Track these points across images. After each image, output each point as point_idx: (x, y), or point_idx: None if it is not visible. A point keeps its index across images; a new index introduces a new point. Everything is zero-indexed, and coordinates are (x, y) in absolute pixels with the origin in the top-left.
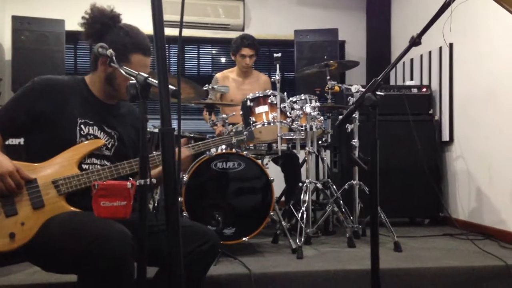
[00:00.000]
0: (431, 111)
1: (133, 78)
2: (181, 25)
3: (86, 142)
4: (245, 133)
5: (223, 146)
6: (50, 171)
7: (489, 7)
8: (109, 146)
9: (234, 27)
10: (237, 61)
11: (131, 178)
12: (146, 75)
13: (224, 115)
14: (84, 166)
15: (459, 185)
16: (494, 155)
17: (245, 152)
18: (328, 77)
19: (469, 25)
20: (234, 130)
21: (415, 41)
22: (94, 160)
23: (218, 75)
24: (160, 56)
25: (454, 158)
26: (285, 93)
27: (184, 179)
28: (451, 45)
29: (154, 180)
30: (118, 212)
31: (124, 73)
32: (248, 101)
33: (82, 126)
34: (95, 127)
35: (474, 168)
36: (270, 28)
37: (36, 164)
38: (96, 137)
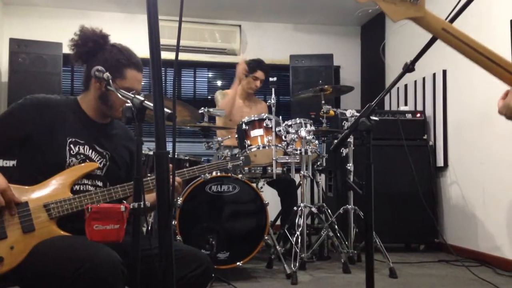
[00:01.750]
0: (425, 136)
1: (128, 101)
2: (177, 48)
3: (82, 165)
4: (241, 158)
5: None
6: (42, 194)
7: (481, 34)
8: (101, 166)
9: (230, 52)
10: (247, 81)
11: (124, 201)
12: (142, 98)
13: (219, 138)
14: (76, 187)
15: (454, 210)
16: (489, 181)
17: (240, 176)
18: (323, 102)
19: None
20: (229, 155)
21: (409, 68)
22: (86, 181)
23: (221, 91)
24: (156, 79)
25: (448, 183)
26: (280, 117)
27: (179, 202)
28: (444, 71)
29: (148, 204)
30: (111, 235)
31: (120, 96)
32: (244, 124)
33: (71, 145)
34: (86, 146)
35: (468, 193)
36: (266, 52)
37: (27, 187)
38: (86, 156)
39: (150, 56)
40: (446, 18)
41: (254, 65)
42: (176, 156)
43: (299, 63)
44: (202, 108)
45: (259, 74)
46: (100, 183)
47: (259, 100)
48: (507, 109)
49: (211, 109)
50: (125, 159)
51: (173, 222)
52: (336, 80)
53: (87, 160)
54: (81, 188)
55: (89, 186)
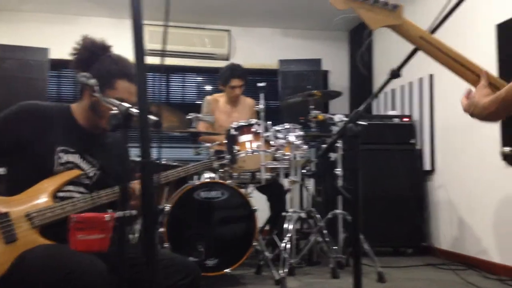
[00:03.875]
0: (412, 141)
1: (115, 108)
2: (163, 54)
3: (64, 172)
4: (227, 156)
5: (206, 175)
6: (24, 203)
7: (468, 39)
8: (91, 175)
9: (220, 56)
10: (227, 91)
11: (110, 210)
12: (129, 105)
13: (207, 144)
14: (61, 194)
15: (441, 214)
16: (475, 184)
17: (228, 181)
18: (312, 106)
19: None
20: (215, 155)
21: (395, 74)
22: (71, 188)
23: (209, 97)
24: (141, 84)
25: (436, 187)
26: (269, 122)
27: (167, 209)
28: (431, 76)
29: (134, 212)
30: (95, 245)
31: (106, 103)
32: (232, 130)
33: (60, 154)
34: (76, 155)
35: (455, 197)
36: (255, 57)
37: (9, 197)
38: (76, 165)
39: (134, 61)
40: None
41: (227, 74)
42: (164, 162)
43: (288, 68)
44: (191, 113)
45: (235, 82)
46: (86, 191)
47: (245, 99)
48: (474, 107)
49: (200, 115)
50: (116, 169)
51: (161, 229)
52: (324, 85)
53: (75, 169)
54: (66, 196)
55: (75, 193)
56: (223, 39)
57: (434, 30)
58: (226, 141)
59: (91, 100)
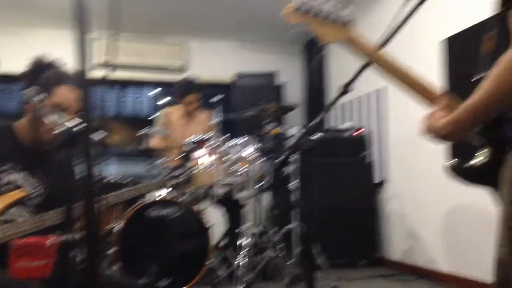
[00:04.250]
0: (365, 153)
1: (60, 126)
2: (112, 66)
3: (6, 194)
4: (181, 175)
5: (159, 193)
6: None
7: (414, 54)
8: (36, 195)
9: (175, 69)
10: (183, 106)
11: (57, 232)
12: (75, 122)
13: (160, 160)
14: (3, 218)
15: (392, 225)
16: (425, 196)
17: (182, 198)
18: (267, 120)
19: None
20: (170, 173)
21: (346, 89)
22: (15, 211)
23: (164, 111)
24: (85, 100)
25: (387, 198)
26: (225, 137)
27: (118, 228)
28: (384, 89)
29: (77, 235)
30: (37, 271)
31: (50, 120)
32: (187, 145)
33: (1, 175)
34: (20, 175)
35: (406, 208)
36: (211, 70)
37: None
38: (18, 186)
39: (78, 74)
40: (382, 45)
41: (183, 88)
42: (115, 179)
43: (244, 81)
44: (144, 128)
45: (190, 97)
46: (31, 213)
47: (201, 112)
48: (432, 128)
49: (153, 129)
50: (63, 187)
51: (112, 249)
52: (280, 97)
53: (19, 190)
54: (9, 219)
55: (18, 216)
56: (179, 52)
57: (382, 45)
58: (181, 156)
59: (34, 117)
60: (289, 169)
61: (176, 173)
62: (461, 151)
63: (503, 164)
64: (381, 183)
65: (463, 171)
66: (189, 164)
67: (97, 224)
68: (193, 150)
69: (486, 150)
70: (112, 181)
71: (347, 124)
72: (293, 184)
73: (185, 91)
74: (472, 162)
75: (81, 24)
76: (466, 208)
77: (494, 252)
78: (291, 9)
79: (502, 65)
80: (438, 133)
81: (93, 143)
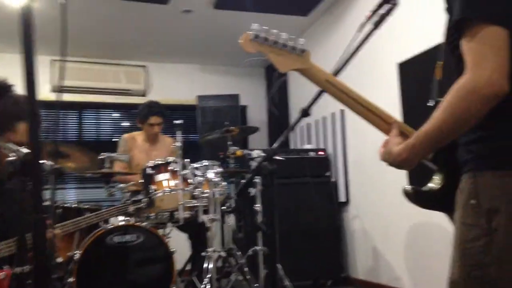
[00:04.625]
0: (328, 173)
1: (13, 154)
2: (65, 90)
3: None
4: (143, 200)
5: (121, 218)
6: None
7: (372, 77)
8: None
9: (136, 92)
10: (145, 129)
11: (6, 267)
12: (27, 150)
13: (122, 185)
14: None
15: (357, 245)
16: (388, 214)
17: (144, 223)
18: (230, 143)
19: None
20: (131, 199)
21: (305, 113)
22: None
23: (126, 135)
24: (33, 126)
25: (351, 218)
26: (187, 160)
27: (76, 257)
28: (342, 111)
29: (30, 267)
30: None
31: (3, 148)
32: (149, 169)
33: None
34: None
35: (370, 227)
36: (172, 93)
37: None
38: None
39: (27, 100)
40: (337, 72)
41: (145, 112)
42: (74, 205)
43: (207, 103)
44: (104, 153)
45: (153, 119)
46: None
47: (164, 137)
48: (388, 155)
49: (113, 154)
50: (18, 217)
51: (70, 279)
52: (243, 120)
53: None
54: None
55: None
56: (139, 75)
57: (337, 72)
58: (143, 181)
59: None
60: (253, 191)
61: (138, 197)
62: (419, 173)
63: (457, 188)
64: (344, 203)
65: (418, 196)
66: (151, 188)
67: (49, 254)
68: (155, 174)
69: (440, 175)
70: (71, 207)
71: (310, 145)
72: (258, 206)
73: (147, 115)
74: (427, 187)
75: (28, 48)
76: (428, 225)
77: (448, 273)
78: (249, 38)
79: (454, 94)
80: (393, 160)
81: (47, 170)
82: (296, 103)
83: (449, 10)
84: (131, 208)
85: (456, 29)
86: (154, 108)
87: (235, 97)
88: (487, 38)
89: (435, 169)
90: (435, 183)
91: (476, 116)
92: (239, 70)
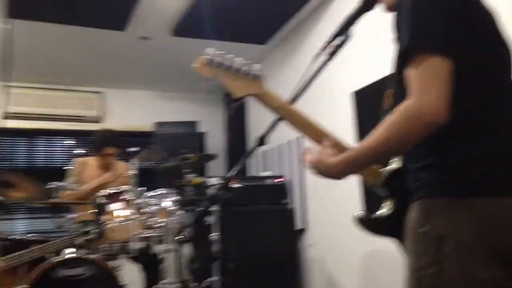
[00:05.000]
0: (285, 201)
1: None
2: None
3: None
4: (92, 231)
5: (69, 250)
6: None
7: (327, 105)
8: None
9: (91, 119)
10: (99, 158)
11: None
12: None
13: (71, 215)
14: None
15: (313, 273)
16: (344, 241)
17: (94, 256)
18: (188, 170)
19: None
20: (80, 230)
21: (261, 142)
22: None
23: (78, 160)
24: None
25: (308, 245)
26: (142, 188)
27: None
28: (299, 138)
29: None
30: None
31: None
32: (101, 198)
33: None
34: None
35: (326, 255)
36: (129, 119)
37: None
38: None
39: None
40: (293, 100)
41: (100, 142)
42: (20, 237)
43: (164, 130)
44: (55, 181)
45: (108, 150)
46: None
47: (118, 163)
48: (320, 164)
49: (62, 183)
50: None
51: None
52: (201, 147)
53: None
54: None
55: None
56: (94, 101)
57: (293, 100)
58: (94, 211)
59: None
60: (210, 220)
61: (89, 228)
62: (375, 200)
63: (406, 215)
64: (302, 230)
65: (369, 223)
66: (103, 218)
67: None
68: (108, 203)
69: (390, 201)
70: (16, 238)
71: (267, 172)
72: (214, 235)
73: (102, 143)
74: (377, 214)
75: None
76: (383, 252)
77: None
78: (203, 62)
79: (398, 115)
80: (328, 171)
81: None
82: (254, 130)
83: (397, 40)
84: (79, 240)
85: (403, 59)
86: (109, 138)
87: (193, 124)
88: (432, 68)
89: (385, 195)
90: (385, 209)
91: (415, 140)
92: (198, 96)
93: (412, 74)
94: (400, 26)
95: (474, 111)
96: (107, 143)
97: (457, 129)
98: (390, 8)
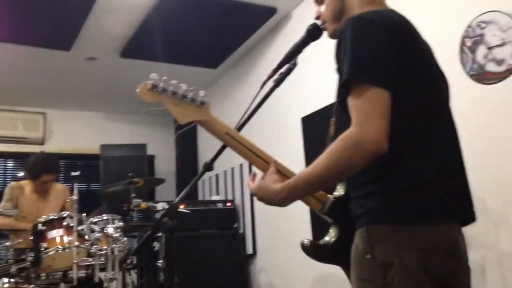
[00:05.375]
0: (235, 225)
1: None
2: None
3: None
4: (28, 258)
5: (4, 280)
6: None
7: (278, 130)
8: None
9: (33, 141)
10: (36, 185)
11: None
12: None
13: (8, 243)
14: None
15: None
16: (293, 266)
17: (32, 285)
18: (133, 195)
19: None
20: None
21: (208, 167)
22: None
23: (13, 184)
24: None
25: (258, 270)
26: (84, 214)
27: None
28: (241, 165)
29: None
30: None
31: None
32: (40, 225)
33: None
34: None
35: (275, 280)
36: (74, 141)
37: None
38: None
39: None
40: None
41: (37, 169)
42: None
43: (110, 152)
44: None
45: (46, 177)
46: None
47: (56, 185)
48: (263, 191)
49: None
50: None
51: None
52: (150, 170)
53: None
54: None
55: None
56: (37, 122)
57: (241, 127)
58: (32, 238)
59: None
60: (157, 245)
61: (26, 255)
62: (324, 226)
63: (352, 242)
64: (252, 255)
65: (315, 250)
66: (42, 246)
67: None
68: (47, 230)
69: (335, 228)
70: None
71: (217, 197)
72: (160, 262)
73: (40, 170)
74: (323, 240)
75: None
76: (333, 277)
77: None
78: (147, 87)
79: (339, 143)
80: (270, 198)
81: None
82: (205, 153)
83: (339, 70)
84: (13, 269)
85: (344, 89)
86: (46, 165)
87: (142, 147)
88: (372, 99)
89: (330, 222)
90: (330, 236)
91: (356, 168)
92: (147, 119)
93: (353, 104)
94: (340, 57)
95: (412, 140)
96: (44, 170)
97: (397, 158)
98: (333, 36)
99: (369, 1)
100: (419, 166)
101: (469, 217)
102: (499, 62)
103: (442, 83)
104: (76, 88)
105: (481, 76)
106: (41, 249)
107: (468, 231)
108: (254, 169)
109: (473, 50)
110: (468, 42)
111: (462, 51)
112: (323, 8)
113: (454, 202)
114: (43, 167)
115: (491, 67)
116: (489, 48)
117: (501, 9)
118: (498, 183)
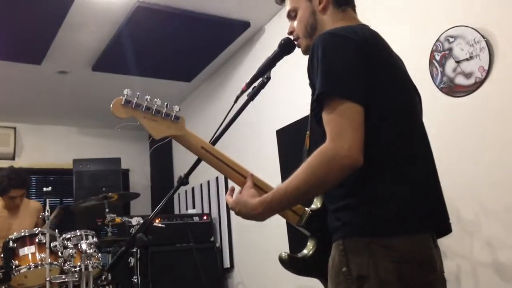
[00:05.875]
0: (212, 239)
1: None
2: None
3: None
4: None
5: None
6: None
7: (254, 142)
8: None
9: (4, 156)
10: (5, 200)
11: None
12: None
13: None
14: None
15: None
16: (270, 280)
17: None
18: (108, 210)
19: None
20: None
21: (183, 181)
22: None
23: None
24: None
25: (235, 284)
26: (56, 230)
27: None
28: (217, 178)
29: None
30: None
31: None
32: (11, 242)
33: None
34: None
35: None
36: (46, 156)
37: None
38: None
39: None
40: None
41: (5, 185)
42: None
43: (84, 167)
44: None
45: (14, 192)
46: None
47: (29, 201)
48: (241, 206)
49: None
50: None
51: None
52: (125, 184)
53: None
54: None
55: None
56: (8, 137)
57: (216, 140)
58: (2, 256)
59: None
60: (132, 261)
61: None
62: (301, 238)
63: (329, 255)
64: (229, 269)
65: (292, 263)
66: (13, 263)
67: None
68: (18, 247)
69: (313, 241)
70: None
71: (193, 210)
72: (135, 278)
73: (7, 186)
74: (301, 253)
75: None
76: None
77: None
78: (120, 103)
79: (315, 157)
80: (247, 212)
81: None
82: (181, 167)
83: (312, 85)
84: None
85: (317, 104)
86: (14, 180)
87: (116, 161)
88: (345, 113)
89: (308, 235)
90: (308, 249)
91: (332, 182)
92: (121, 133)
93: (326, 119)
94: (313, 72)
95: (386, 153)
96: (12, 185)
97: (372, 171)
98: (306, 52)
99: (341, 17)
100: (394, 178)
101: (445, 229)
102: (468, 75)
103: (414, 96)
104: (48, 102)
105: (451, 89)
106: (13, 267)
107: (442, 241)
108: (231, 182)
109: (442, 63)
110: (437, 56)
111: (431, 64)
112: (296, 23)
113: (429, 214)
114: (11, 182)
115: (460, 80)
116: (458, 62)
117: (468, 24)
118: (470, 194)
